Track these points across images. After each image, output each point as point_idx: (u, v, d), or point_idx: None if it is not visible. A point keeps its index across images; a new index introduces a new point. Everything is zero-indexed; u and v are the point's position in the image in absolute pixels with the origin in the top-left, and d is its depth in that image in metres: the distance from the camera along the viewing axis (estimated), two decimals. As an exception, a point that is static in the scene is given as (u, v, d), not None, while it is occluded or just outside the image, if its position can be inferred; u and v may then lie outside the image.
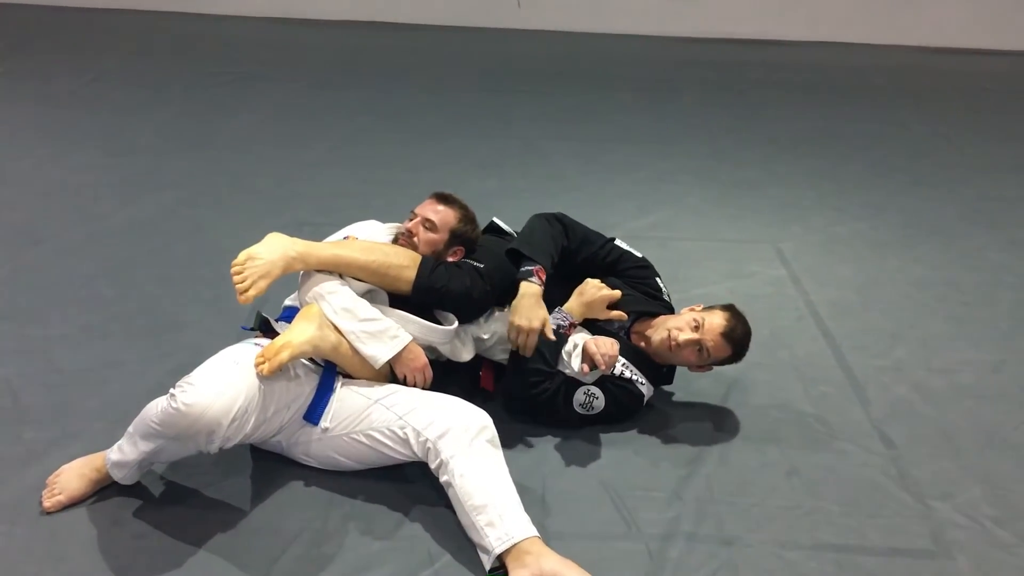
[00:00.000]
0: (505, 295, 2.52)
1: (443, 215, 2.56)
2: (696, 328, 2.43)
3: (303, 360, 2.21)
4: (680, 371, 2.62)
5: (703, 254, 3.60)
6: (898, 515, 2.23)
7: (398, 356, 2.28)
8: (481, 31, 7.21)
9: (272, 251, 2.26)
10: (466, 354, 2.50)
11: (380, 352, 2.25)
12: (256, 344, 2.16)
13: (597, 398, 2.44)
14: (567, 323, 2.46)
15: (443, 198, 2.62)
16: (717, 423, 2.56)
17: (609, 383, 2.44)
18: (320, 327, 2.20)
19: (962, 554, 2.12)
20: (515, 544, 1.93)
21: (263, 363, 2.05)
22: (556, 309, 2.49)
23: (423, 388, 2.33)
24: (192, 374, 1.97)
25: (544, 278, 2.42)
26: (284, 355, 2.09)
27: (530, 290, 2.39)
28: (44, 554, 1.98)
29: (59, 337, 2.80)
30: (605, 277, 2.61)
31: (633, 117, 5.37)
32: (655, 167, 4.54)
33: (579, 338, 2.46)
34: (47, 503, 2.08)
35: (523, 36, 7.18)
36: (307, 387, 2.21)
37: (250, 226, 3.34)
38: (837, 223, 3.97)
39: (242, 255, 2.24)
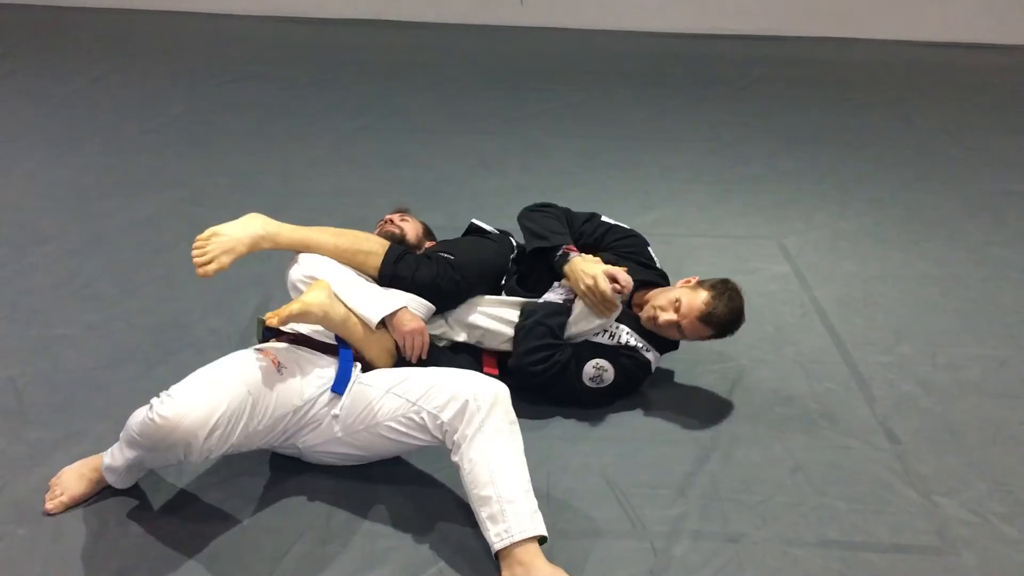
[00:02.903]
0: (486, 286, 2.55)
1: (410, 215, 2.93)
2: (676, 310, 2.45)
3: (317, 367, 2.18)
4: (688, 350, 2.70)
5: (707, 250, 3.59)
6: (904, 511, 2.23)
7: (394, 318, 2.32)
8: (483, 28, 7.20)
9: (239, 228, 2.29)
10: (462, 336, 2.57)
11: (375, 311, 2.29)
12: (256, 349, 2.13)
13: (606, 371, 2.48)
14: (572, 296, 2.50)
15: (399, 210, 2.97)
16: (721, 420, 2.55)
17: (616, 353, 2.49)
18: (331, 297, 2.21)
19: (968, 550, 2.11)
20: (512, 544, 1.91)
21: (273, 318, 2.08)
22: (556, 283, 2.53)
23: (421, 355, 2.35)
24: (175, 385, 1.92)
25: (575, 249, 2.53)
26: (294, 307, 2.10)
27: (573, 262, 2.48)
28: (48, 554, 1.98)
29: (63, 337, 2.80)
30: (598, 253, 2.61)
31: (635, 113, 5.36)
32: (658, 163, 4.54)
33: (580, 306, 2.50)
34: (49, 504, 2.08)
35: (525, 33, 7.17)
36: (312, 388, 2.15)
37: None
38: (841, 219, 3.96)
39: (207, 231, 2.25)
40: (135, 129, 4.70)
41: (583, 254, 2.52)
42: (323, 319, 2.18)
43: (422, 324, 2.37)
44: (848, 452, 2.44)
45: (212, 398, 1.90)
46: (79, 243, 3.43)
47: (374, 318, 2.29)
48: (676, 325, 2.45)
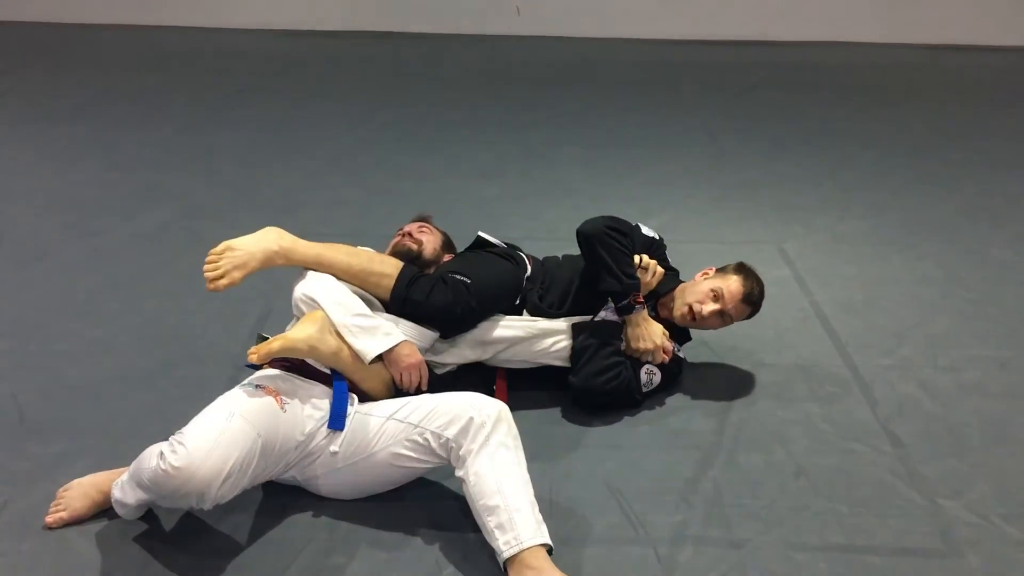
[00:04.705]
0: (499, 309, 2.54)
1: (430, 224, 2.80)
2: (717, 298, 2.57)
3: (313, 398, 2.17)
4: (687, 355, 2.75)
5: (706, 256, 3.56)
6: (907, 514, 2.22)
7: (391, 353, 2.27)
8: (480, 38, 7.22)
9: (254, 243, 2.27)
10: (470, 355, 2.55)
11: (371, 346, 2.24)
12: (257, 387, 2.09)
13: (655, 374, 2.60)
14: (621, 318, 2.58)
15: (420, 217, 2.87)
16: (723, 425, 2.55)
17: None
18: (321, 330, 2.18)
19: (972, 552, 2.11)
20: (522, 551, 1.91)
21: (253, 355, 2.07)
22: (609, 303, 2.57)
23: (421, 388, 2.32)
24: (186, 430, 1.89)
25: (641, 299, 2.55)
26: (275, 345, 2.08)
27: (636, 318, 2.54)
28: (51, 570, 1.98)
29: (64, 352, 2.80)
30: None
31: (633, 120, 5.37)
32: (656, 170, 4.55)
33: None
34: (49, 518, 2.08)
35: (522, 43, 7.19)
36: (312, 422, 2.13)
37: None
38: (840, 222, 3.96)
39: (221, 245, 2.24)
40: (134, 144, 4.72)
41: (645, 310, 2.58)
42: (310, 353, 2.17)
43: (420, 358, 2.33)
44: (851, 456, 2.44)
45: (224, 446, 1.87)
46: (79, 258, 3.44)
47: (369, 354, 2.24)
48: (721, 313, 2.58)
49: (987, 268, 3.57)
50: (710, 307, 2.57)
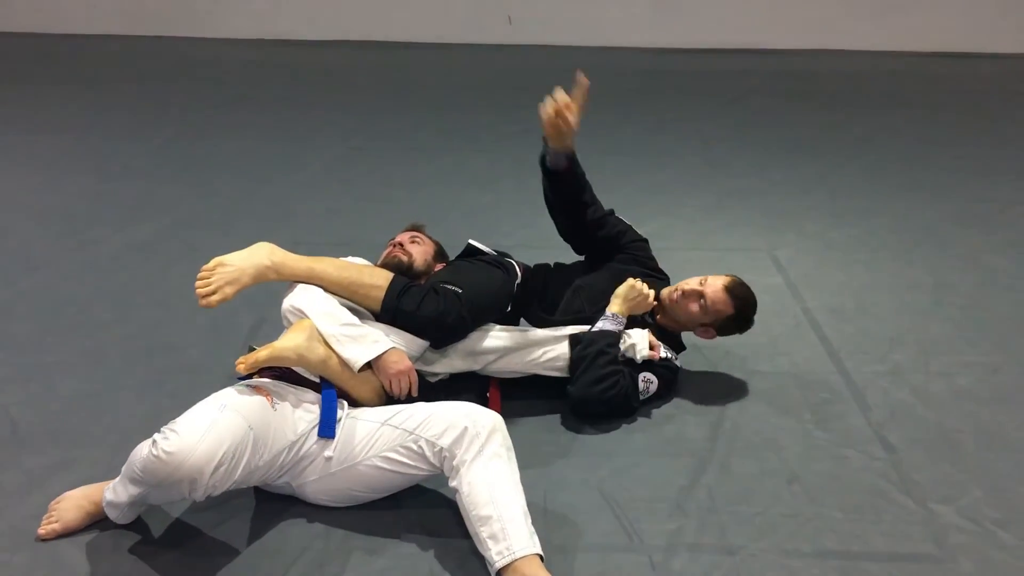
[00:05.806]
0: (490, 318, 2.54)
1: (422, 234, 2.81)
2: (701, 283, 2.64)
3: (305, 402, 2.18)
4: (682, 361, 2.76)
5: (699, 263, 3.59)
6: (900, 520, 2.23)
7: (380, 360, 2.28)
8: (472, 47, 7.25)
9: (245, 259, 2.28)
10: (461, 365, 2.56)
11: (359, 354, 2.25)
12: (248, 386, 2.10)
13: (652, 382, 2.61)
14: (623, 325, 2.60)
15: (412, 227, 2.88)
16: (717, 432, 2.56)
17: (658, 366, 2.63)
18: (309, 339, 2.19)
19: (965, 557, 2.11)
20: (514, 560, 1.92)
21: (242, 364, 2.07)
22: (609, 313, 2.60)
23: (411, 394, 2.32)
24: (177, 420, 1.90)
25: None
26: (262, 354, 2.09)
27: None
28: (45, 582, 1.98)
29: (57, 363, 2.80)
30: (614, 256, 2.83)
31: (625, 128, 5.39)
32: (649, 178, 4.56)
33: (635, 335, 2.61)
34: (42, 530, 2.07)
35: (514, 51, 7.22)
36: (304, 423, 2.14)
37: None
38: (832, 229, 3.98)
39: (213, 261, 2.25)
40: (127, 154, 4.72)
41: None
42: (298, 362, 2.18)
43: (409, 364, 2.33)
44: (844, 462, 2.44)
45: (215, 433, 1.88)
46: (72, 269, 3.43)
47: (358, 362, 2.25)
48: (700, 295, 2.62)
49: (978, 274, 3.59)
50: (691, 285, 2.64)
